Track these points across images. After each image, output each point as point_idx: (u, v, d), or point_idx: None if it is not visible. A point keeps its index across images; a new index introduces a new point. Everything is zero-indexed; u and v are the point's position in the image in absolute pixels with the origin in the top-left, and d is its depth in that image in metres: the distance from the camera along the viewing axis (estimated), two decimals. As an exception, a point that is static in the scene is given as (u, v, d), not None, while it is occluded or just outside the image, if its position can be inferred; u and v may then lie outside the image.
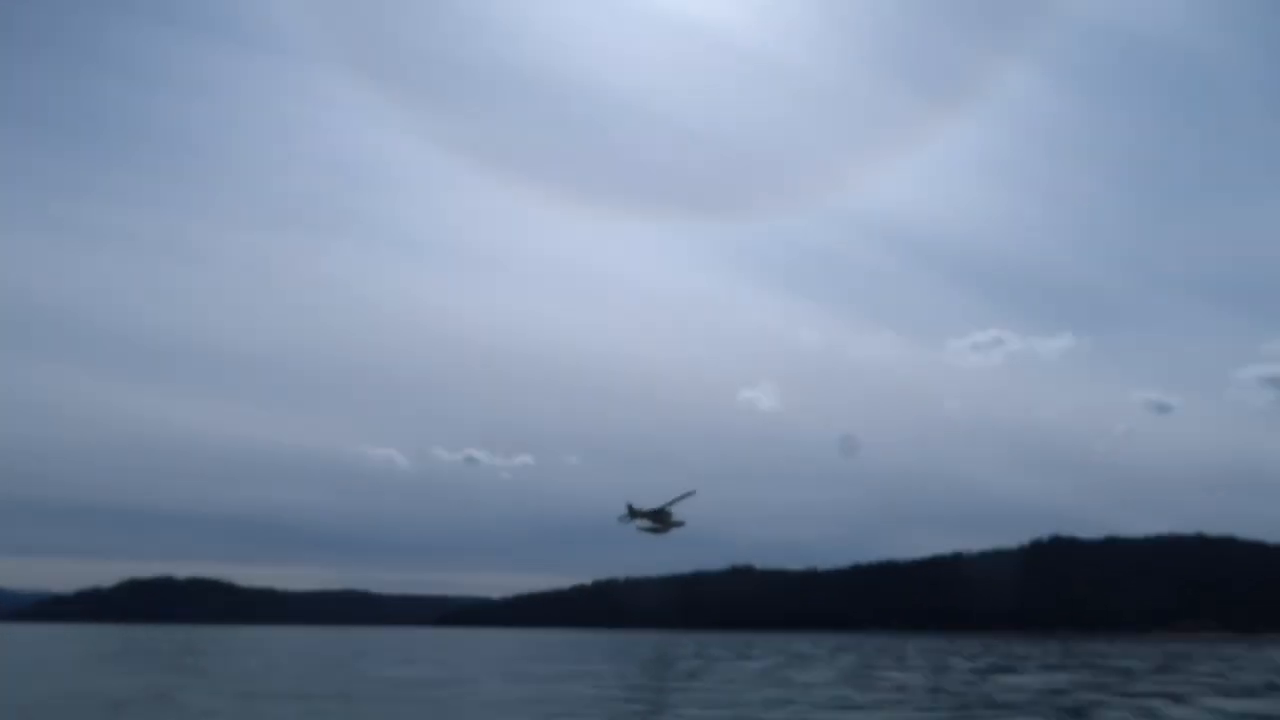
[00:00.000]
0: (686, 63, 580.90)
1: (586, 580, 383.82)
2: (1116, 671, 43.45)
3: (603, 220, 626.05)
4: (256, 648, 72.16)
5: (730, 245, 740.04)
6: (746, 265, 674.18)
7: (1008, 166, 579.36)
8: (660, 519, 48.99)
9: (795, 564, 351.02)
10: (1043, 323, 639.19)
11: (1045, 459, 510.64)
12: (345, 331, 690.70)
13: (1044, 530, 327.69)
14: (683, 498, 48.36)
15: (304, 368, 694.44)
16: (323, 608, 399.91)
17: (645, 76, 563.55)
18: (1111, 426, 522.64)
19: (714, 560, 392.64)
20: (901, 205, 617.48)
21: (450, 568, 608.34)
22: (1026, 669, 43.86)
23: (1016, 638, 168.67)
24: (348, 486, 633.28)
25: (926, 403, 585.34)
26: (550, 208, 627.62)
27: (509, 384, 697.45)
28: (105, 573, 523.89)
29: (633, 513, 47.49)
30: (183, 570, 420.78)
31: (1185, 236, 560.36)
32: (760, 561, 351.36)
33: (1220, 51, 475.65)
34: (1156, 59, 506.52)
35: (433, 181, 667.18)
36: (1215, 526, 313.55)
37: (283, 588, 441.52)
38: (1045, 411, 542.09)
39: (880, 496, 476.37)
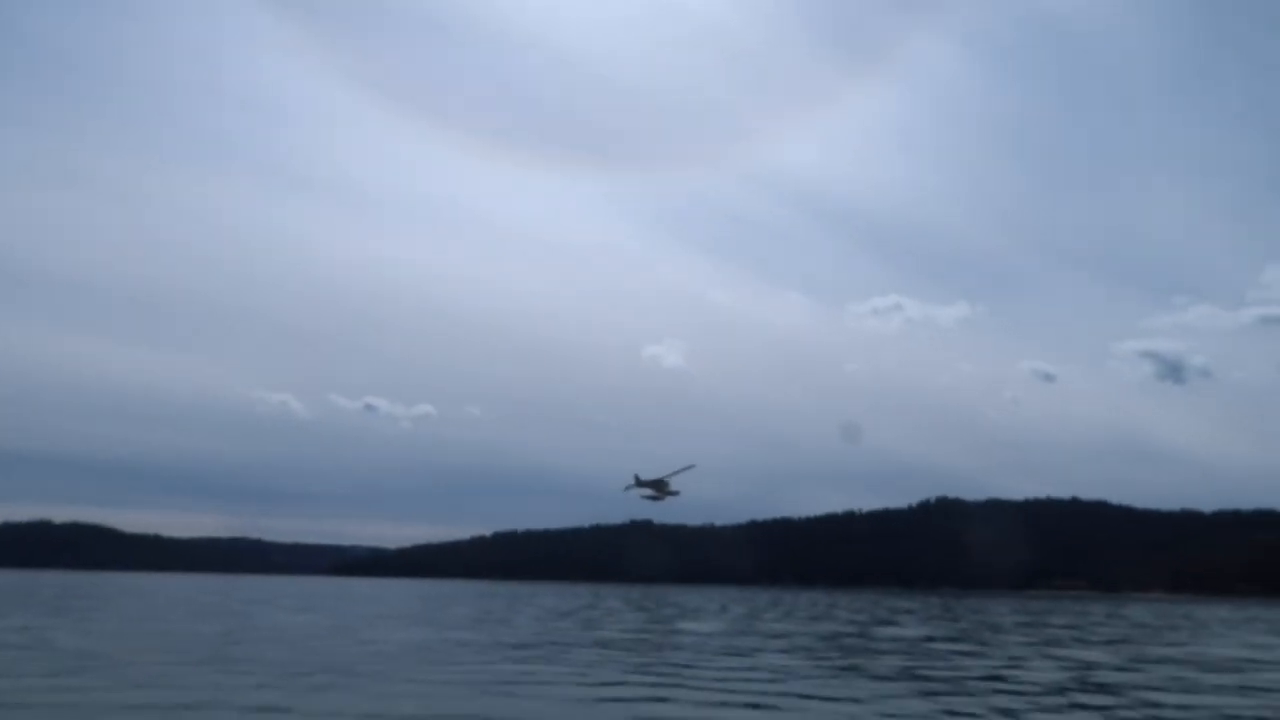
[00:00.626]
0: (603, 11, 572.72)
1: (486, 532, 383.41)
2: (987, 625, 45.26)
3: (513, 168, 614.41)
4: (140, 593, 69.24)
5: (639, 199, 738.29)
6: (655, 220, 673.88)
7: (914, 135, 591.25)
8: (659, 488, 54.42)
9: (694, 519, 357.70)
10: (940, 291, 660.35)
11: (937, 423, 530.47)
12: (243, 271, 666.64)
13: (932, 491, 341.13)
14: (683, 470, 53.47)
15: (198, 307, 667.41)
16: (211, 555, 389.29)
17: (560, 24, 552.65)
18: (1000, 393, 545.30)
19: (613, 514, 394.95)
20: (810, 168, 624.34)
21: (345, 517, 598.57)
22: (905, 622, 45.24)
23: (903, 593, 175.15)
24: (240, 431, 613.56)
25: (827, 365, 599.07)
26: (461, 154, 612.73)
27: (412, 332, 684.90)
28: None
29: (638, 481, 52.37)
30: (60, 514, 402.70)
31: (1078, 213, 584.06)
32: (659, 516, 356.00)
33: (1121, 35, 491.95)
34: (1061, 38, 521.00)
35: (339, 121, 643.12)
36: (1089, 491, 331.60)
37: (169, 534, 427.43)
38: (939, 377, 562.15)
39: (778, 455, 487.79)
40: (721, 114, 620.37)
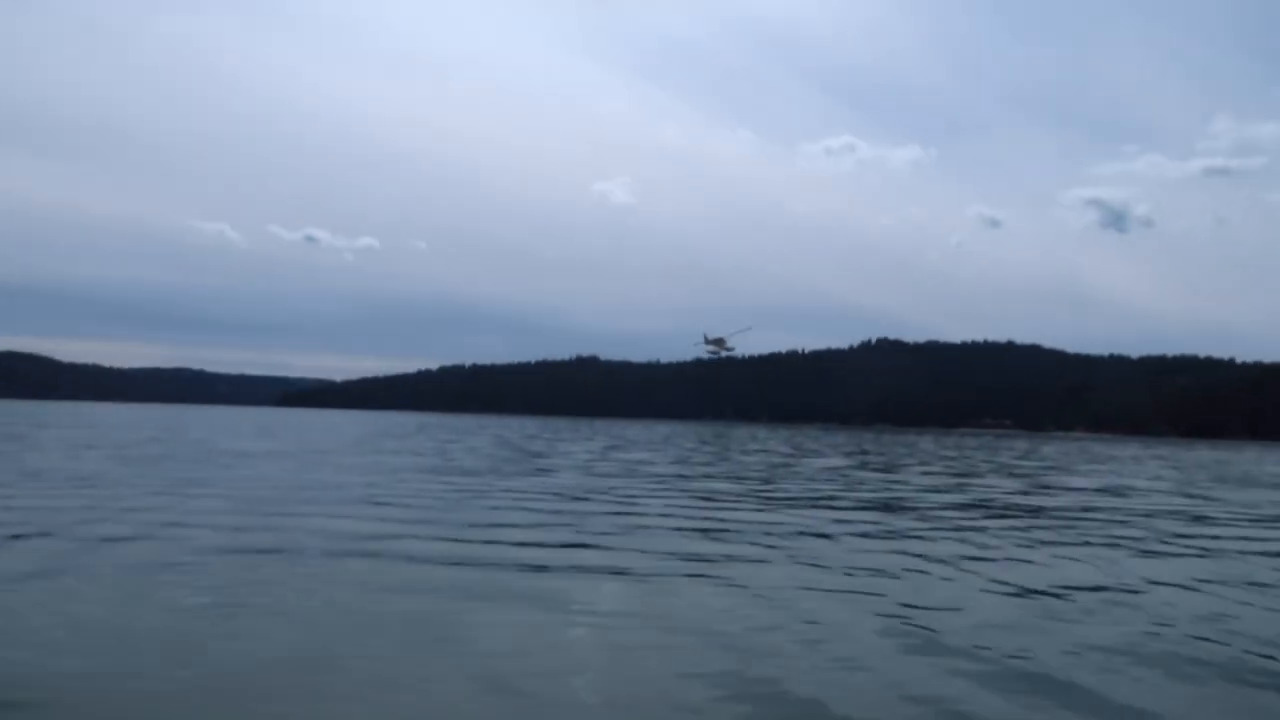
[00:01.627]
0: None
1: (432, 365, 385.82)
2: (910, 456, 46.76)
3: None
4: (86, 421, 67.84)
5: (590, 29, 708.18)
6: (607, 50, 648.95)
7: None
8: (720, 344, 67.86)
9: (638, 356, 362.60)
10: (893, 132, 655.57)
11: (882, 265, 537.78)
12: (177, 93, 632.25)
13: (874, 332, 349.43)
14: (742, 331, 69.24)
15: (130, 130, 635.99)
16: (153, 386, 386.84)
17: None
18: (946, 237, 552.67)
19: (560, 350, 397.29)
20: (769, 2, 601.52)
21: (291, 348, 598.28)
22: (831, 455, 46.40)
23: (840, 429, 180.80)
24: (176, 261, 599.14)
25: (776, 204, 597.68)
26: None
27: (353, 163, 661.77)
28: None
29: (706, 340, 63.40)
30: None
31: (1035, 57, 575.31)
32: (605, 353, 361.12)
33: None
34: None
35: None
36: (1025, 335, 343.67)
37: (110, 364, 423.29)
38: (887, 219, 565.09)
39: (724, 293, 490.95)
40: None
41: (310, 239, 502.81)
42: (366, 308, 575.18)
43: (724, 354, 64.99)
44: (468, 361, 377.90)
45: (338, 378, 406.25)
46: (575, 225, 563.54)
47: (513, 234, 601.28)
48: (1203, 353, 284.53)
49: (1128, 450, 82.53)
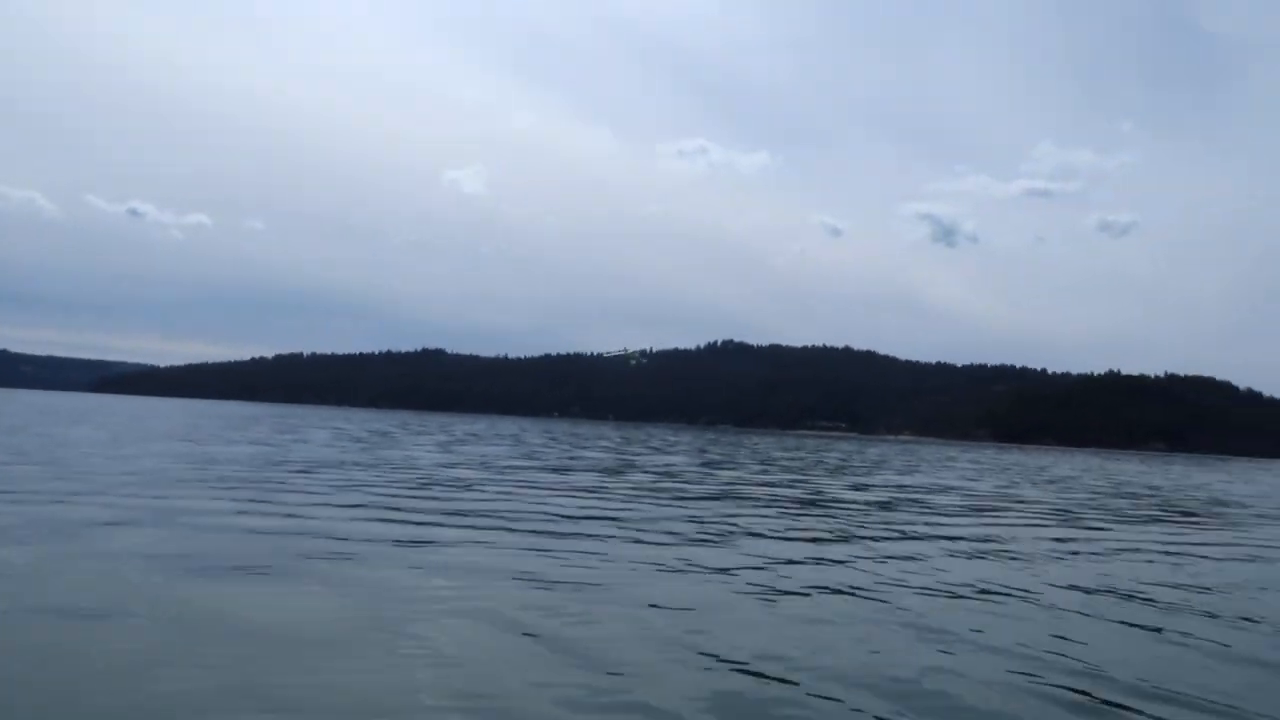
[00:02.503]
0: None
1: (268, 353, 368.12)
2: (745, 455, 47.99)
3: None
4: None
5: (450, 9, 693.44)
6: (466, 34, 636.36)
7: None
8: (635, 355, 79.41)
9: (487, 350, 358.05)
10: (744, 138, 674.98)
11: (730, 268, 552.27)
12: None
13: (721, 334, 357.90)
14: (658, 348, 74.46)
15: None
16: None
17: None
18: (790, 244, 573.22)
19: (405, 341, 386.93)
20: (636, 1, 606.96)
21: (107, 330, 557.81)
22: (674, 452, 47.00)
23: (684, 428, 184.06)
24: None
25: (630, 202, 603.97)
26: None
27: (186, 133, 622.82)
28: None
29: (626, 350, 73.49)
30: None
31: (882, 75, 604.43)
32: (452, 346, 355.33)
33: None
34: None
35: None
36: (861, 341, 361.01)
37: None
38: (735, 224, 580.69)
39: (574, 289, 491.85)
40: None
41: (134, 213, 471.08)
42: (196, 289, 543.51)
43: (633, 363, 74.10)
44: (306, 350, 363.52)
45: (161, 363, 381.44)
46: (424, 213, 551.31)
47: (358, 218, 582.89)
48: (1019, 363, 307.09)
49: (951, 452, 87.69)
